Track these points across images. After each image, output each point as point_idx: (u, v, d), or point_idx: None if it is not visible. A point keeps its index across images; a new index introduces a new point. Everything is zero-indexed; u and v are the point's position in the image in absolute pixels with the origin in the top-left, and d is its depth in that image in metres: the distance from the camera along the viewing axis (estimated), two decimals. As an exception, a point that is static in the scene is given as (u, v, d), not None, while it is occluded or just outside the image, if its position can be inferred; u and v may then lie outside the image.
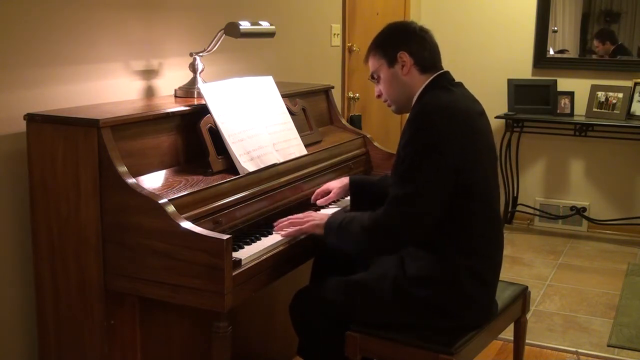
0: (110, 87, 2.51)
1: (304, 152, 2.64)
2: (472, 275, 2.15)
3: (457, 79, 2.30)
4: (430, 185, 2.05)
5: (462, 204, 2.11)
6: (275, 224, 2.27)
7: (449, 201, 2.08)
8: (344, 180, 2.63)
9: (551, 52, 5.12)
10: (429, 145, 2.05)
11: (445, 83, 2.22)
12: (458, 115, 2.10)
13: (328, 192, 2.62)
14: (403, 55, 2.22)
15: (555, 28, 5.08)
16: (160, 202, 1.93)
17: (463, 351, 2.12)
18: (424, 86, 2.21)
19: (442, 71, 2.25)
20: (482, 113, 2.25)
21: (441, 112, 2.09)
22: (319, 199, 2.59)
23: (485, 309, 2.25)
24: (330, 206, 2.60)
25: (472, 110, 2.18)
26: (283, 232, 2.23)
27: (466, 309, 2.17)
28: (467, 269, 2.14)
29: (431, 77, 2.22)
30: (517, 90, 5.00)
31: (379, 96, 2.34)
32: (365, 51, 2.36)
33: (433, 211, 2.07)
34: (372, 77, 2.32)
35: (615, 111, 4.75)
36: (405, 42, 2.24)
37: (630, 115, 4.73)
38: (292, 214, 2.32)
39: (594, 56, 5.04)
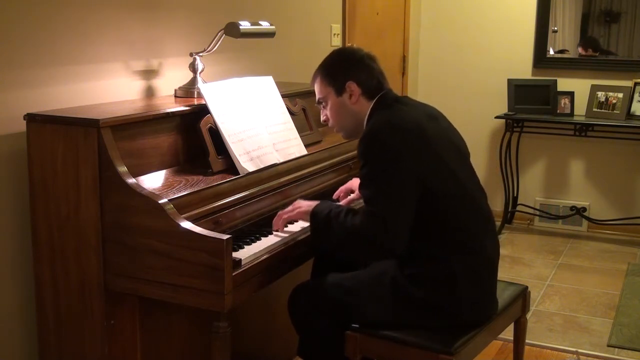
0: (110, 87, 2.51)
1: (304, 152, 2.65)
2: (468, 273, 2.16)
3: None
4: (394, 201, 2.07)
5: (442, 207, 2.14)
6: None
7: (428, 207, 2.11)
8: None
9: (551, 52, 5.12)
10: (383, 164, 2.09)
11: (387, 101, 2.25)
12: (405, 128, 2.13)
13: (351, 190, 2.64)
14: (351, 85, 2.26)
15: (555, 28, 5.08)
16: (160, 202, 1.93)
17: (463, 351, 2.12)
18: (369, 111, 2.25)
19: (383, 92, 2.27)
20: (434, 116, 2.28)
21: (386, 129, 2.13)
22: (341, 197, 2.63)
23: (483, 306, 2.25)
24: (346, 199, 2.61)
25: (419, 118, 2.20)
26: (275, 227, 2.25)
27: (464, 308, 2.18)
28: (462, 267, 2.15)
29: (374, 101, 2.26)
30: (517, 90, 5.00)
31: (325, 121, 2.37)
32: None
33: (404, 222, 2.09)
34: (319, 103, 2.36)
35: (615, 111, 4.75)
36: (353, 71, 2.27)
37: (630, 115, 4.73)
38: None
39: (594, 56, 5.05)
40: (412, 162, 2.09)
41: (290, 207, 2.29)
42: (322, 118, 2.38)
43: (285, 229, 2.28)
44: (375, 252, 2.13)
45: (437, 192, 2.12)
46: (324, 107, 2.35)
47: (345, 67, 2.29)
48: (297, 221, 2.31)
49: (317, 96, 2.35)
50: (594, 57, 5.03)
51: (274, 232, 2.25)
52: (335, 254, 2.31)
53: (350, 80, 2.26)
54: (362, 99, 2.27)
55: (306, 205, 2.26)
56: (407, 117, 2.18)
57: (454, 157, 2.22)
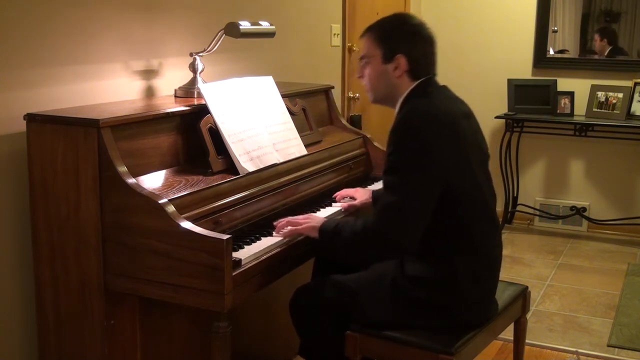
0: (110, 87, 2.51)
1: (304, 152, 2.64)
2: (470, 275, 2.15)
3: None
4: (417, 193, 2.05)
5: (455, 207, 2.11)
6: (275, 223, 2.27)
7: (440, 205, 2.08)
8: (370, 192, 2.61)
9: (551, 52, 5.12)
10: (414, 153, 2.05)
11: (428, 88, 2.19)
12: (441, 120, 2.09)
13: (352, 197, 2.62)
14: (401, 59, 2.17)
15: (555, 28, 5.08)
16: (160, 202, 1.93)
17: (463, 351, 2.12)
18: (407, 92, 2.18)
19: (427, 77, 2.20)
20: (467, 114, 2.23)
21: (423, 119, 2.08)
22: (340, 201, 2.60)
23: (484, 308, 2.25)
24: (334, 205, 2.60)
25: (455, 113, 2.16)
26: (281, 232, 2.23)
27: (465, 309, 2.17)
28: (465, 268, 2.14)
29: (416, 83, 2.18)
30: (517, 90, 5.00)
31: (359, 77, 2.29)
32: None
33: (422, 218, 2.07)
34: (361, 58, 2.26)
35: (615, 111, 4.75)
36: (409, 45, 2.18)
37: (630, 115, 4.73)
38: (292, 214, 2.32)
39: (594, 56, 5.04)
40: (442, 157, 2.05)
41: (302, 218, 2.25)
42: (358, 74, 2.29)
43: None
44: (384, 247, 2.08)
45: (455, 191, 2.09)
46: (364, 64, 2.24)
47: (403, 38, 2.17)
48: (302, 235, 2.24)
49: (362, 52, 2.25)
50: (594, 57, 5.03)
51: (274, 232, 2.25)
52: (341, 260, 2.30)
53: (401, 54, 2.15)
54: (406, 77, 2.18)
55: (315, 221, 2.23)
56: (444, 109, 2.13)
57: (477, 159, 2.19)
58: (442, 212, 2.09)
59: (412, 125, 2.07)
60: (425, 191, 2.05)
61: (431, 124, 2.07)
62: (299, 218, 2.26)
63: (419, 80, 2.18)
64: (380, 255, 2.19)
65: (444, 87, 2.25)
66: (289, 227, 2.23)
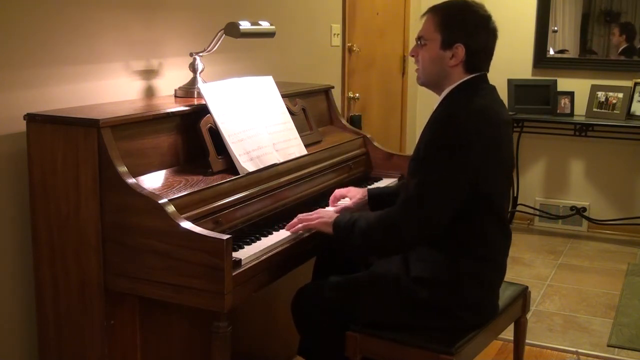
0: (110, 87, 2.51)
1: (304, 152, 2.64)
2: (478, 280, 2.15)
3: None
4: (444, 190, 2.03)
5: (475, 212, 2.10)
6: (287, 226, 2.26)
7: (461, 207, 2.06)
8: (365, 191, 2.58)
9: (551, 52, 5.12)
10: (451, 150, 2.02)
11: (481, 84, 2.16)
12: (490, 123, 2.07)
13: (345, 197, 2.60)
14: (459, 48, 2.12)
15: (556, 28, 5.08)
16: (160, 202, 1.93)
17: (463, 351, 2.12)
18: (458, 83, 2.14)
19: (481, 73, 2.17)
20: (508, 122, 2.21)
21: (473, 118, 2.04)
22: (335, 203, 2.57)
23: (487, 312, 2.25)
24: (339, 204, 2.59)
25: (500, 118, 2.14)
26: (292, 229, 2.22)
27: (469, 311, 2.17)
28: (473, 273, 2.13)
29: (469, 77, 2.15)
30: (517, 90, 5.00)
31: (412, 56, 2.25)
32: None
33: (442, 215, 2.05)
34: (418, 39, 2.20)
35: (615, 111, 4.75)
36: (471, 36, 2.13)
37: (630, 115, 4.73)
38: (292, 214, 2.32)
39: (594, 56, 5.05)
40: (479, 160, 2.03)
41: (314, 215, 2.25)
42: (411, 53, 2.25)
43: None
44: (391, 238, 2.06)
45: (480, 196, 2.06)
46: (421, 45, 2.18)
47: (467, 29, 2.13)
48: (313, 230, 2.24)
49: (421, 32, 2.18)
50: (594, 57, 5.03)
51: (286, 229, 2.24)
52: (353, 253, 2.27)
53: (461, 43, 2.11)
54: (460, 67, 2.14)
55: (328, 215, 2.22)
56: (492, 112, 2.11)
57: (506, 168, 2.18)
58: (462, 217, 2.07)
59: (458, 122, 2.03)
60: (453, 189, 2.03)
61: (479, 125, 2.04)
62: (309, 214, 2.26)
63: (472, 75, 2.15)
64: (393, 247, 2.14)
65: (494, 88, 2.21)
66: (302, 224, 2.23)
